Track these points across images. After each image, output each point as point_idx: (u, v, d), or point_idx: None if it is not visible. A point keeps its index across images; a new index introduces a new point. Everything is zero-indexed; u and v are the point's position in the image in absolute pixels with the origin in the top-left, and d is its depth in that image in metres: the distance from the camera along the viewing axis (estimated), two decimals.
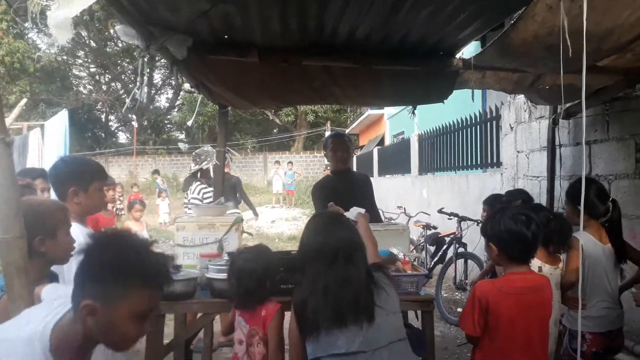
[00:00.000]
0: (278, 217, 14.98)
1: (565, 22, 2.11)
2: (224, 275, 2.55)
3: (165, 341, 2.87)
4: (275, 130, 30.49)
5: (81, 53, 29.35)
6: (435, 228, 6.91)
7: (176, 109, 32.10)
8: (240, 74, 3.53)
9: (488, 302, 2.20)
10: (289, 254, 3.10)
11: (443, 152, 8.68)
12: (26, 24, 25.12)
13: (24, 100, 7.97)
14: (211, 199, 4.87)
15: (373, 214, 3.54)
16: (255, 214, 7.92)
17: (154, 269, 1.32)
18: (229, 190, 5.86)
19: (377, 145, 16.72)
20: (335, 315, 1.89)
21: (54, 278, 1.90)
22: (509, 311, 2.19)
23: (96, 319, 1.22)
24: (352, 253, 2.00)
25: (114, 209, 7.66)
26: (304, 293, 1.98)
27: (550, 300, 2.31)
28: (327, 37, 3.05)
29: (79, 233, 2.16)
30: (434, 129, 9.04)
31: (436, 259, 6.26)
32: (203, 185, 5.30)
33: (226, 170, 8.03)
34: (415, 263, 3.27)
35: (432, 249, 6.57)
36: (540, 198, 5.06)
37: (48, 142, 6.96)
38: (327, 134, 23.82)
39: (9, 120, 6.47)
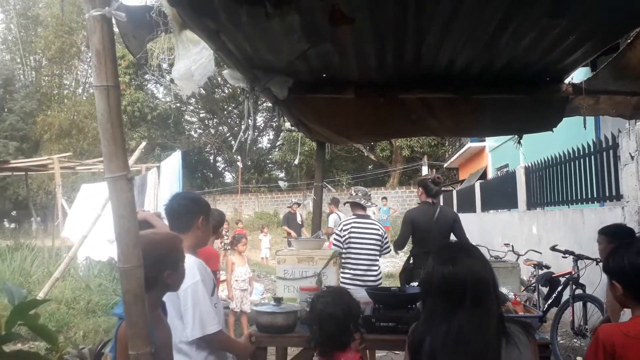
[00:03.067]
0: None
1: None
2: None
3: None
4: (370, 166, 30.58)
5: (192, 100, 31.99)
6: (547, 267, 6.36)
7: (277, 149, 33.56)
8: (337, 111, 3.61)
9: (614, 347, 1.94)
10: (389, 291, 3.03)
11: (554, 185, 8.08)
12: (146, 76, 28.20)
13: (143, 144, 8.82)
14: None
15: None
16: None
17: None
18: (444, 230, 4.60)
19: (478, 179, 16.04)
20: None
21: (163, 306, 2.01)
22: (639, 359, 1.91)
23: None
24: (484, 292, 1.69)
25: (222, 244, 8.06)
26: (421, 331, 1.76)
27: None
28: (424, 69, 3.03)
29: (192, 264, 2.28)
30: (543, 161, 8.47)
31: (550, 301, 5.73)
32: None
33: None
34: (527, 304, 3.02)
35: (545, 290, 6.04)
36: None
37: (163, 181, 7.59)
38: (424, 169, 23.39)
39: (130, 162, 7.16)
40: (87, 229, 6.76)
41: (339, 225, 5.01)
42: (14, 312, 1.61)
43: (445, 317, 1.70)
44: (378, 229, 4.82)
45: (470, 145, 18.78)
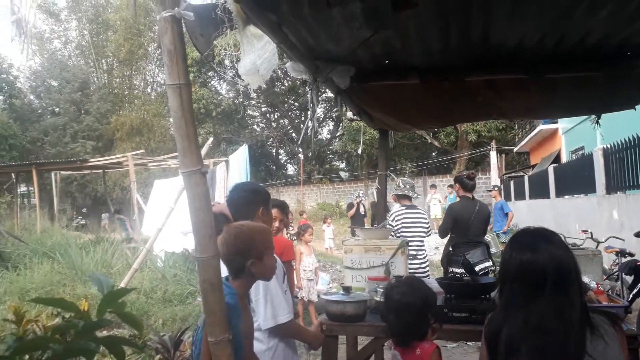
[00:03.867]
0: (442, 243, 14.46)
1: None
2: None
3: None
4: (434, 153, 29.90)
5: (254, 94, 32.68)
6: (631, 255, 5.96)
7: (337, 139, 33.62)
8: (401, 97, 3.55)
9: None
10: (461, 281, 2.96)
11: (637, 167, 7.53)
12: (209, 73, 29.11)
13: (211, 139, 9.12)
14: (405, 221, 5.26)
15: None
16: None
17: None
18: (482, 223, 5.23)
19: (551, 163, 15.26)
20: (534, 355, 1.58)
21: (248, 295, 2.09)
22: None
23: None
24: (566, 280, 1.61)
25: (287, 234, 8.21)
26: (498, 321, 1.70)
27: None
28: (491, 50, 2.90)
29: None
30: (624, 141, 7.91)
31: (636, 290, 5.36)
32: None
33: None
34: (611, 293, 2.84)
35: (629, 279, 5.66)
36: None
37: (232, 174, 7.82)
38: (492, 154, 22.54)
39: None
40: (162, 222, 7.10)
41: (391, 215, 5.45)
42: (104, 300, 1.71)
43: (524, 305, 1.64)
44: (425, 217, 5.47)
45: (542, 127, 17.85)
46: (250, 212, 2.43)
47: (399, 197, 5.49)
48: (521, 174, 21.30)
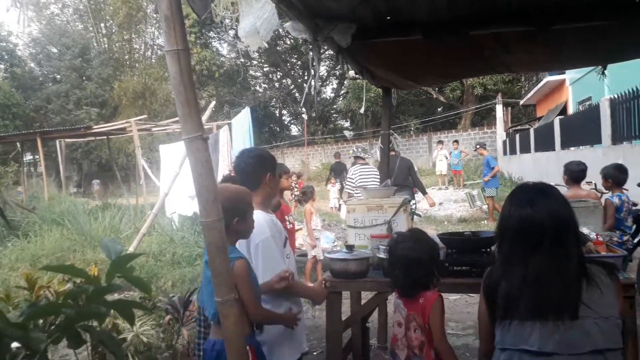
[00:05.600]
0: (446, 199, 14.54)
1: None
2: None
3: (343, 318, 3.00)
4: (439, 109, 29.56)
5: (255, 54, 32.15)
6: (635, 205, 5.97)
7: (341, 98, 33.26)
8: (404, 54, 3.48)
9: None
10: (462, 235, 2.99)
11: None
12: (210, 34, 28.57)
13: (213, 103, 9.05)
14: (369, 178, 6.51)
15: None
16: (424, 193, 8.36)
17: None
18: (404, 172, 7.29)
19: (558, 115, 15.08)
20: (532, 306, 1.63)
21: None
22: None
23: None
24: (563, 234, 1.65)
25: (293, 196, 8.25)
26: (497, 275, 1.75)
27: None
28: (498, 2, 2.81)
29: (262, 220, 2.34)
30: (631, 91, 7.78)
31: (638, 239, 5.41)
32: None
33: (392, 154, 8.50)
34: (611, 244, 2.87)
35: (632, 228, 5.70)
36: None
37: (235, 138, 7.80)
38: (498, 108, 22.27)
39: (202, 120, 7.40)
40: (167, 186, 7.16)
41: (350, 171, 7.10)
42: (113, 265, 1.76)
43: (523, 260, 1.68)
44: (376, 172, 6.71)
45: (549, 79, 17.52)
46: (257, 179, 2.44)
47: (356, 158, 7.11)
48: (527, 126, 21.10)
